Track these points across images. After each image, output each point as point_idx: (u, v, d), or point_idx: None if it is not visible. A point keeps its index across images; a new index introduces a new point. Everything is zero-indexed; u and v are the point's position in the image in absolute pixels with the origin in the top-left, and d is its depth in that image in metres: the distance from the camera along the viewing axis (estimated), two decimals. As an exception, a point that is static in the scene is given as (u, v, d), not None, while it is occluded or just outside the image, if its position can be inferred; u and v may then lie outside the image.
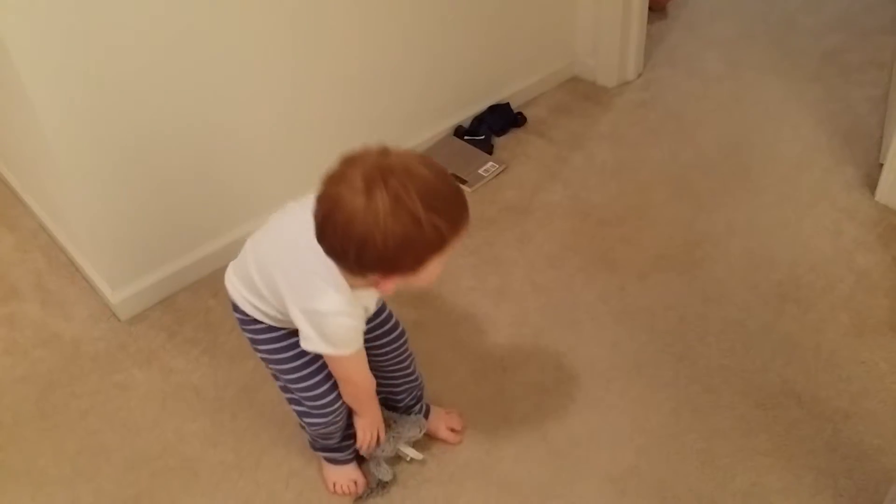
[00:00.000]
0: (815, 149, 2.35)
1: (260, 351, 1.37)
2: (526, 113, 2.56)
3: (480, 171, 2.31)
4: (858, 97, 2.56)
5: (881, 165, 2.13)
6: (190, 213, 1.93)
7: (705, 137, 2.44)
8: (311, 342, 1.19)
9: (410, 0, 2.12)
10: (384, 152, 1.03)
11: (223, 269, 1.37)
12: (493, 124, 2.48)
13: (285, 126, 2.00)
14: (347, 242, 1.03)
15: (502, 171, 2.33)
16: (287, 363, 1.35)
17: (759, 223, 2.09)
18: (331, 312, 1.16)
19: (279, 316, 1.28)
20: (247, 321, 1.34)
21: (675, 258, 2.00)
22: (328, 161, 1.05)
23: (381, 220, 0.99)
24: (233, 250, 1.37)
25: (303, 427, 1.48)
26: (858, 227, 2.05)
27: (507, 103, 2.54)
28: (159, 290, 1.95)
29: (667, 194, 2.21)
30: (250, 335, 1.36)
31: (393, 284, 1.11)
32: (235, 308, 1.35)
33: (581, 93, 2.70)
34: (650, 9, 2.71)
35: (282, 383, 1.40)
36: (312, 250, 1.09)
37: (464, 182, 2.28)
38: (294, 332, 1.28)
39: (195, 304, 1.94)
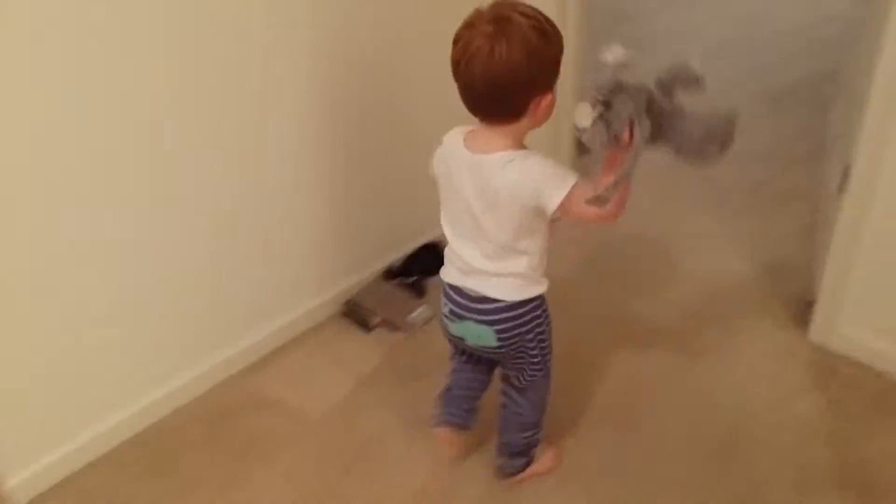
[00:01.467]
0: (746, 286, 2.34)
1: (542, 332, 1.46)
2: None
3: (411, 317, 2.22)
4: (787, 230, 2.59)
5: (811, 302, 2.12)
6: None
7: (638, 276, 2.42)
8: (558, 189, 1.25)
9: (348, 140, 2.09)
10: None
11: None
12: (426, 264, 2.38)
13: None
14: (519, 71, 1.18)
15: (434, 316, 2.25)
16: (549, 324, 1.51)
17: (697, 372, 2.04)
18: (528, 154, 1.28)
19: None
20: (528, 312, 1.41)
21: (612, 411, 1.92)
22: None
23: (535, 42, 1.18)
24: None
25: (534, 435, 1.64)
26: (794, 370, 2.02)
27: (439, 242, 2.48)
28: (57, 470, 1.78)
29: (604, 339, 2.15)
30: (535, 320, 1.43)
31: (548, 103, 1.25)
32: (516, 309, 1.40)
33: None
34: (580, 151, 2.71)
35: (539, 363, 1.51)
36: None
37: (396, 328, 2.19)
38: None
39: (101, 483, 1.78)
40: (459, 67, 1.21)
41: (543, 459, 1.71)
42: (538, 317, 1.43)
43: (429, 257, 2.40)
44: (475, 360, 1.61)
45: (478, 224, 1.33)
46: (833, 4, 4.43)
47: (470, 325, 1.42)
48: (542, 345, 1.48)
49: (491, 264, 1.36)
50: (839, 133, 2.57)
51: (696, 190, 2.86)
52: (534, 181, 1.25)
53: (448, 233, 1.41)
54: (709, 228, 2.64)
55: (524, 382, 1.54)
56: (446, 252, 1.45)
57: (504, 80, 1.18)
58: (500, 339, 1.42)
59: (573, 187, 1.25)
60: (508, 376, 1.57)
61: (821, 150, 3.00)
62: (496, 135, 1.28)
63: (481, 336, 1.42)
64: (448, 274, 1.44)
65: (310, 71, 1.94)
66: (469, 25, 1.20)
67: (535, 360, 1.49)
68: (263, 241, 2.02)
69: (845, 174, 1.91)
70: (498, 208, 1.29)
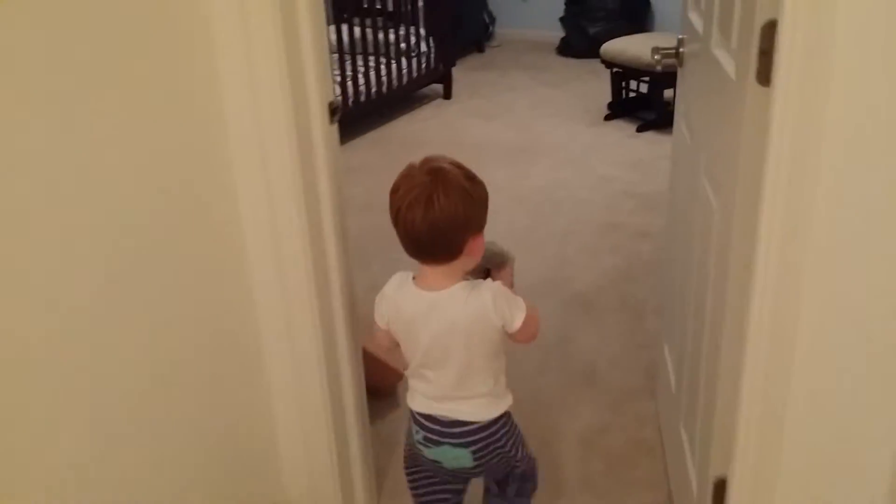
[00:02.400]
0: None
1: (516, 437, 1.51)
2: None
3: None
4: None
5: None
6: None
7: None
8: (520, 311, 1.38)
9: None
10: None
11: None
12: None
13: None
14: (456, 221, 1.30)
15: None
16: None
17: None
18: (477, 283, 1.39)
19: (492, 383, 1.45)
20: (501, 427, 1.46)
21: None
22: None
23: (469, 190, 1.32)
24: None
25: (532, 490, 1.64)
26: None
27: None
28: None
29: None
30: (508, 432, 1.48)
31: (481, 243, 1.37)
32: (489, 428, 1.44)
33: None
34: (375, 394, 2.10)
35: (524, 459, 1.55)
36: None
37: None
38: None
39: None
40: (400, 214, 1.31)
41: None
42: (509, 428, 1.49)
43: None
44: (448, 480, 1.58)
45: (446, 354, 1.39)
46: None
47: (446, 448, 1.46)
48: (519, 446, 1.54)
49: (461, 389, 1.42)
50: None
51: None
52: (497, 306, 1.35)
53: (413, 365, 1.45)
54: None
55: (513, 478, 1.59)
56: (410, 383, 1.49)
57: (443, 223, 1.29)
58: (476, 460, 1.46)
59: (527, 307, 1.39)
60: (495, 480, 1.61)
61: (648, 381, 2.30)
62: (442, 273, 1.37)
63: (458, 458, 1.47)
64: (415, 402, 1.48)
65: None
66: (406, 176, 1.33)
67: (518, 461, 1.55)
68: None
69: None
70: (467, 336, 1.37)
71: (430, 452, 1.47)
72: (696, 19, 1.67)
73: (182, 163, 1.35)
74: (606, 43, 4.67)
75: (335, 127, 1.63)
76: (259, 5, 1.33)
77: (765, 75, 1.06)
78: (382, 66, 4.72)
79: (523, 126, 4.71)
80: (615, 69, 4.65)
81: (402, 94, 4.99)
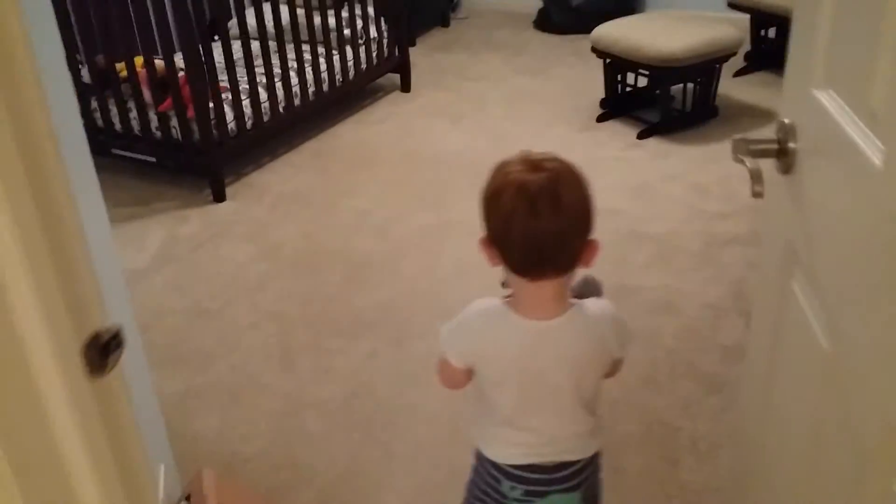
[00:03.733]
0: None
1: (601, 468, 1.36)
2: None
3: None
4: None
5: None
6: None
7: None
8: (628, 335, 1.24)
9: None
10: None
11: None
12: None
13: None
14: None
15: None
16: None
17: None
18: (589, 305, 1.22)
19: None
20: (599, 458, 1.33)
21: None
22: None
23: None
24: None
25: None
26: None
27: None
28: None
29: None
30: (600, 461, 1.34)
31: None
32: (593, 462, 1.31)
33: None
34: None
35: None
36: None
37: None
38: None
39: None
40: (516, 220, 1.10)
41: None
42: (600, 454, 1.35)
43: None
44: None
45: (556, 394, 1.23)
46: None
47: (554, 497, 1.30)
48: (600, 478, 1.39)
49: (569, 428, 1.27)
50: None
51: None
52: (615, 330, 1.22)
53: (506, 412, 1.26)
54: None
55: None
56: (496, 432, 1.29)
57: (574, 222, 1.12)
58: (584, 499, 1.32)
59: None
60: None
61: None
62: (554, 293, 1.18)
63: (567, 503, 1.31)
64: (511, 456, 1.29)
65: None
66: (506, 176, 1.12)
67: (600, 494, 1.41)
68: None
69: None
70: (583, 371, 1.22)
71: None
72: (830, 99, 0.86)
73: None
74: (597, 29, 3.78)
75: (117, 374, 0.78)
76: None
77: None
78: (322, 58, 3.80)
79: (497, 131, 3.84)
80: (608, 59, 3.79)
81: (350, 91, 4.08)
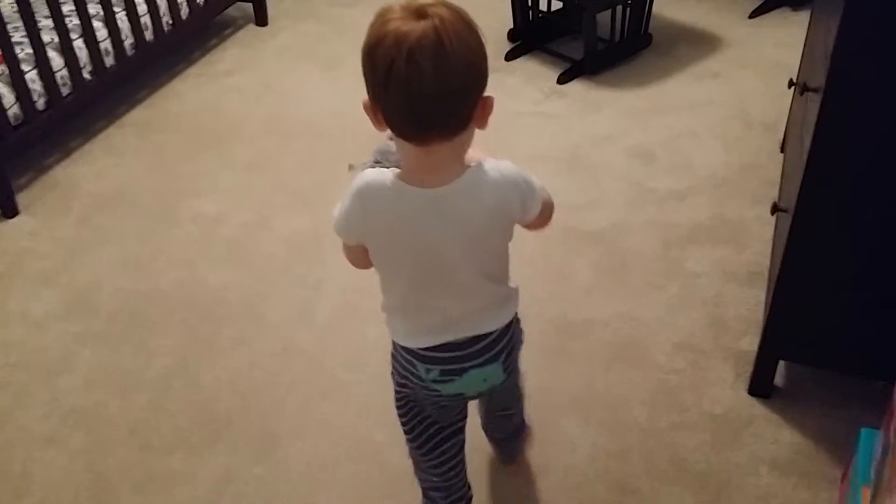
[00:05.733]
0: None
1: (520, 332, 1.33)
2: None
3: None
4: None
5: None
6: None
7: None
8: (538, 191, 1.15)
9: None
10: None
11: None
12: None
13: None
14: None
15: None
16: None
17: None
18: (489, 164, 1.12)
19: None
20: (516, 325, 1.29)
21: None
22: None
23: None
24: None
25: None
26: None
27: None
28: None
29: None
30: (518, 325, 1.30)
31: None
32: (510, 330, 1.25)
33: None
34: None
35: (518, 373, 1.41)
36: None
37: None
38: None
39: None
40: (395, 70, 0.97)
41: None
42: (518, 321, 1.30)
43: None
44: (459, 418, 1.35)
45: (452, 267, 1.14)
46: None
47: (472, 373, 1.22)
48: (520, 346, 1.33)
49: (478, 300, 1.19)
50: None
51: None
52: (518, 193, 1.12)
53: (401, 290, 1.18)
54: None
55: (516, 395, 1.53)
56: (397, 318, 1.23)
57: (462, 75, 0.99)
58: (505, 369, 1.26)
59: (540, 188, 1.15)
60: (502, 408, 1.52)
61: None
62: (445, 156, 1.06)
63: (487, 378, 1.25)
64: (417, 339, 1.21)
65: None
66: (386, 24, 0.98)
67: (519, 365, 1.36)
68: None
69: None
70: (479, 239, 1.13)
71: (452, 387, 1.24)
72: None
73: None
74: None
75: None
76: None
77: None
78: (140, -3, 2.83)
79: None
80: (516, -22, 2.98)
81: (185, 35, 3.12)
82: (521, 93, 2.90)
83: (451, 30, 0.97)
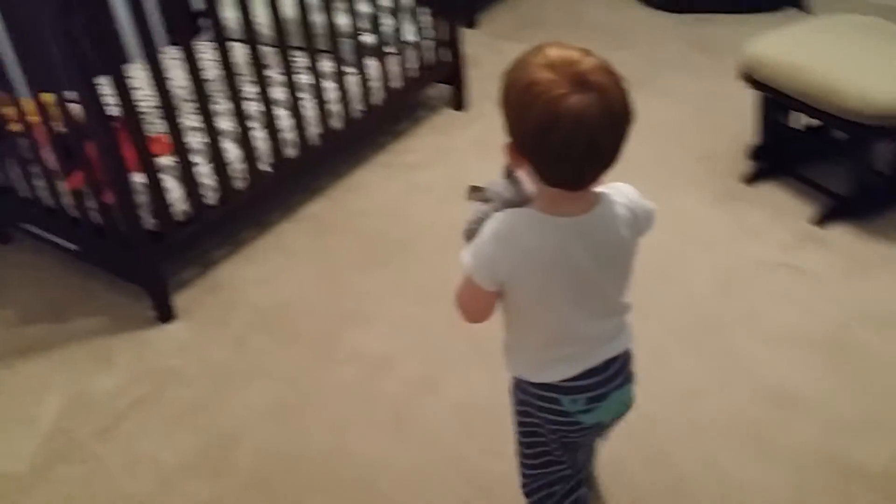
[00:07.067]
0: None
1: None
2: None
3: None
4: None
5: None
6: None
7: None
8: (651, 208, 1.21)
9: None
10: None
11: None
12: None
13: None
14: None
15: None
16: None
17: None
18: (611, 190, 1.17)
19: None
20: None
21: None
22: None
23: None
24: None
25: None
26: None
27: None
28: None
29: None
30: None
31: None
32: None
33: None
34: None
35: None
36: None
37: None
38: None
39: None
40: (571, 151, 1.01)
41: None
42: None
43: None
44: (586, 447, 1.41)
45: (603, 289, 1.18)
46: None
47: (614, 396, 1.25)
48: None
49: (613, 321, 1.23)
50: None
51: None
52: (643, 212, 1.18)
53: (552, 327, 1.20)
54: None
55: None
56: (540, 357, 1.23)
57: (625, 139, 1.03)
58: (633, 389, 1.30)
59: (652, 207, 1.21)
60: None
61: None
62: (580, 193, 1.10)
63: (624, 400, 1.28)
64: (558, 372, 1.22)
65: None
66: (559, 96, 0.98)
67: None
68: None
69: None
70: (621, 257, 1.18)
71: (594, 416, 1.25)
72: None
73: None
74: (754, 45, 2.39)
75: None
76: None
77: None
78: (328, 80, 2.56)
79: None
80: (768, 93, 2.42)
81: (374, 121, 2.83)
82: (765, 233, 2.33)
83: (615, 101, 1.00)
